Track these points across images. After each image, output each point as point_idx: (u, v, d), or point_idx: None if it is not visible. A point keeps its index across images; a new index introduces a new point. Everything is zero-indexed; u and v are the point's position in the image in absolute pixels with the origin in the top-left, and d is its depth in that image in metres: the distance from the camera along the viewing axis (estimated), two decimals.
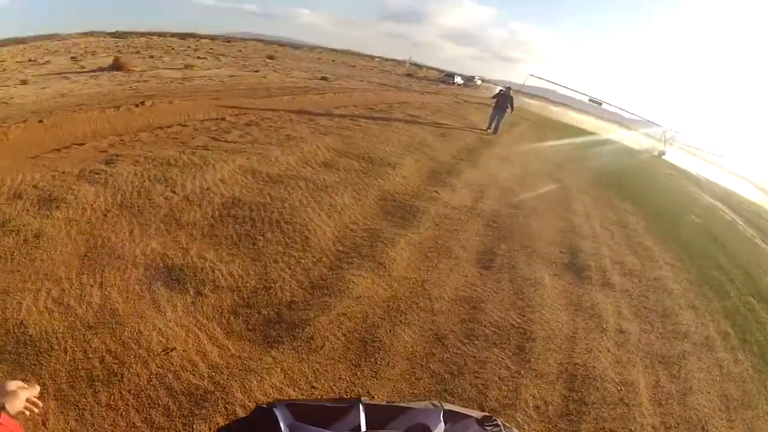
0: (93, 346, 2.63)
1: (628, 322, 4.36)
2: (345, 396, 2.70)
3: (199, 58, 26.32)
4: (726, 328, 4.82)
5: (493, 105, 14.77)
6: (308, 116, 10.20)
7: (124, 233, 3.93)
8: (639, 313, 4.62)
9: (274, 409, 1.31)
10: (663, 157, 32.90)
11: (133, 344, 2.69)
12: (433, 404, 1.54)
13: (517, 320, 3.83)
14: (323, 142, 7.70)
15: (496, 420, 1.57)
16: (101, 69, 17.12)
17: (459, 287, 4.20)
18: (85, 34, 40.10)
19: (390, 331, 3.31)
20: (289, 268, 3.86)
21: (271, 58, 35.19)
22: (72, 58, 21.30)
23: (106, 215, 4.18)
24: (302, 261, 4.03)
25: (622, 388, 3.31)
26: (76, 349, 2.59)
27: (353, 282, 3.80)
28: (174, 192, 4.80)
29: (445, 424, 1.46)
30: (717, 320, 4.93)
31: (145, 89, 12.79)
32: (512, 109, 14.80)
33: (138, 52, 26.35)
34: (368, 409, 1.41)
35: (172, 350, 2.72)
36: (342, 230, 4.83)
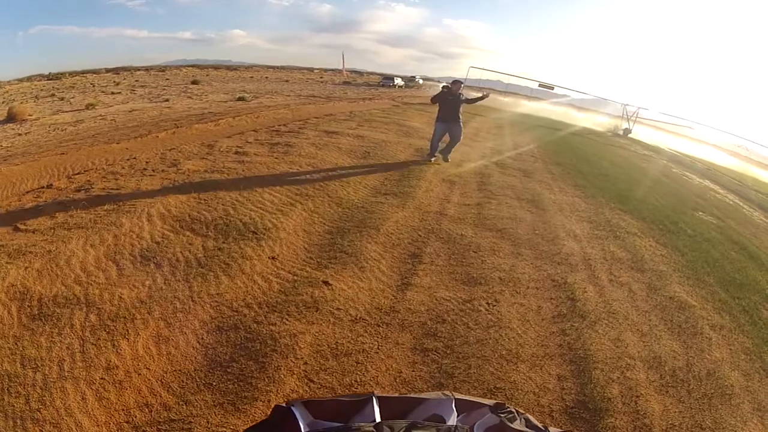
0: None
1: None
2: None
3: (113, 93, 25.87)
4: None
5: (436, 115, 8.83)
6: (174, 158, 7.38)
7: None
8: None
9: (292, 408, 1.35)
10: (629, 135, 31.78)
11: None
12: (444, 394, 1.55)
13: None
14: (162, 208, 4.96)
15: (509, 407, 1.55)
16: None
17: None
18: (21, 80, 41.07)
19: None
20: None
21: (195, 83, 34.65)
22: None
23: None
24: None
25: None
26: None
27: None
28: None
29: (458, 412, 1.48)
30: None
31: (19, 145, 11.39)
32: (471, 101, 9.05)
33: (53, 95, 25.69)
34: (382, 402, 1.45)
35: None
36: None
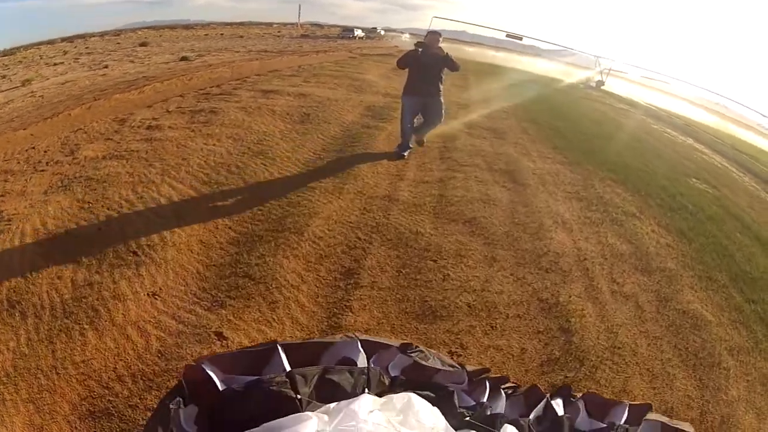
0: None
1: None
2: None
3: (55, 64, 22.89)
4: None
5: (404, 86, 5.85)
6: (76, 143, 5.92)
7: None
8: None
9: (203, 365, 1.40)
10: (602, 88, 31.00)
11: None
12: (348, 336, 1.65)
13: None
14: (39, 221, 3.82)
15: (418, 346, 1.73)
16: None
17: None
18: None
19: None
20: None
21: (143, 45, 32.67)
22: None
23: None
24: None
25: None
26: None
27: None
28: None
29: (366, 353, 1.60)
30: None
31: None
32: (455, 67, 5.62)
33: None
34: (288, 349, 1.51)
35: None
36: None
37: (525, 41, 43.48)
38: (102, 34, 54.16)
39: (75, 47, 38.40)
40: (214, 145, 5.61)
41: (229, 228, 3.71)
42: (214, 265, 3.22)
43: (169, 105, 8.19)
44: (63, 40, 48.71)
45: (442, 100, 5.76)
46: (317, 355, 1.57)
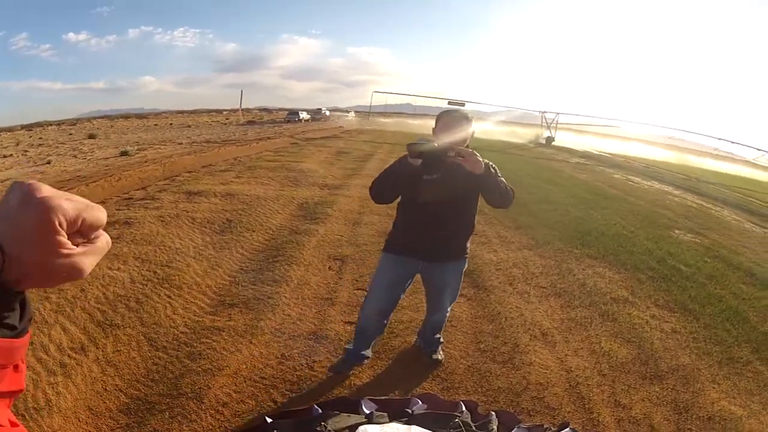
0: None
1: None
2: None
3: (4, 156, 23.27)
4: None
5: (392, 230, 2.91)
6: None
7: None
8: None
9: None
10: (553, 143, 31.69)
11: None
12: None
13: None
14: None
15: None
16: None
17: None
18: None
19: None
20: None
21: (92, 137, 34.63)
22: None
23: None
24: None
25: None
26: None
27: None
28: None
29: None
30: None
31: None
32: (504, 197, 2.60)
33: None
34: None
35: None
36: None
37: (468, 106, 44.87)
38: (59, 123, 59.09)
39: (30, 137, 39.57)
40: (118, 269, 4.71)
41: (120, 391, 2.81)
42: None
43: None
44: (23, 127, 53.29)
45: (465, 267, 2.91)
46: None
